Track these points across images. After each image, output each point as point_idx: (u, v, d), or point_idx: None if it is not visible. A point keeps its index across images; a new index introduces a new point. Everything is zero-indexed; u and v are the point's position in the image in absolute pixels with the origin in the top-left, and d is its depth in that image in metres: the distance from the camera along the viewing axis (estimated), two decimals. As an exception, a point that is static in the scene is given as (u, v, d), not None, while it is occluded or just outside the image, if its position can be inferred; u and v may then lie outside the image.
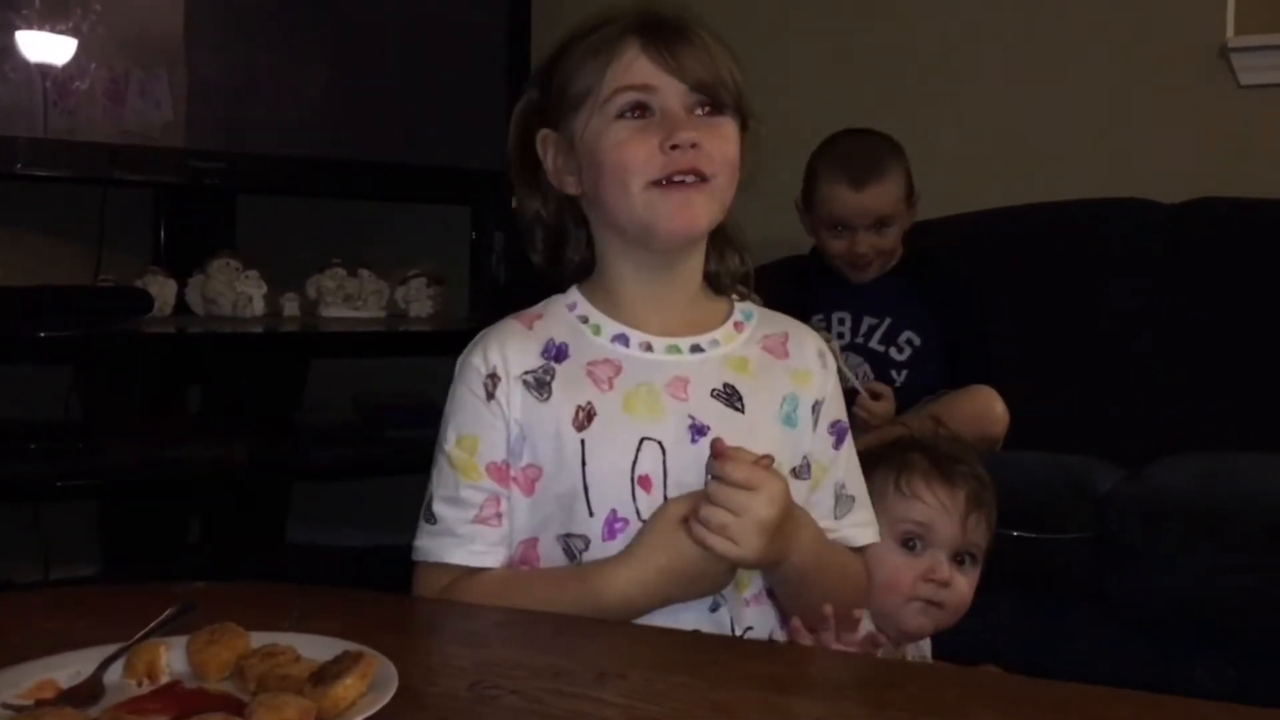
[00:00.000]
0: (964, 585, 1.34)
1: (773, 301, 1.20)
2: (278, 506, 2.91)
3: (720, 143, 1.07)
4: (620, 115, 1.07)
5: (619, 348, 1.10)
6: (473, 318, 2.75)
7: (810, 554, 1.07)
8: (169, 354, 2.49)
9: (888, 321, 2.10)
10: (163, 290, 2.51)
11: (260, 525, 2.87)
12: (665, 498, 1.05)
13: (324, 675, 0.78)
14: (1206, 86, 2.47)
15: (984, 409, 1.94)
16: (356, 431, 2.65)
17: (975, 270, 2.21)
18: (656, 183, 1.05)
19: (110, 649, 0.85)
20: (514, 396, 1.08)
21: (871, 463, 1.29)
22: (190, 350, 2.50)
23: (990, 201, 2.48)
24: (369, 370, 2.84)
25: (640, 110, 1.07)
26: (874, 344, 2.10)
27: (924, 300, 2.10)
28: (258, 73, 2.57)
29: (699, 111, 1.07)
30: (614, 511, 1.05)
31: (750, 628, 1.10)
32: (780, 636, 1.13)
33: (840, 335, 2.11)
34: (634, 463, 1.05)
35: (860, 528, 1.16)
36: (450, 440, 1.10)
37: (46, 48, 2.33)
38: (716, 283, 1.16)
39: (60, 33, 2.34)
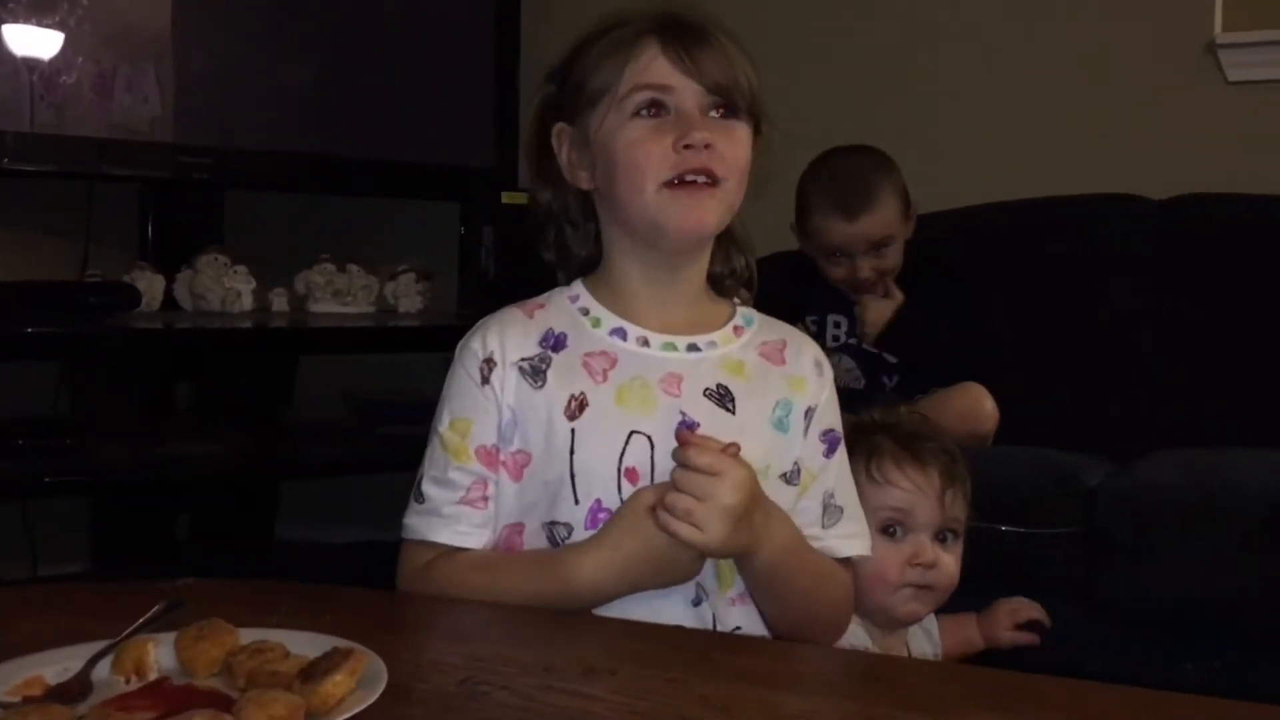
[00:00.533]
0: (950, 563, 1.34)
1: (765, 298, 1.20)
2: (267, 503, 2.90)
3: (733, 146, 1.08)
4: (636, 113, 1.08)
5: (616, 341, 1.11)
6: (462, 313, 2.74)
7: (782, 551, 1.07)
8: (157, 350, 2.48)
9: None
10: (151, 286, 2.50)
11: (249, 522, 2.87)
12: None
13: (313, 671, 0.77)
14: (1194, 83, 2.48)
15: (974, 406, 1.94)
16: (346, 428, 2.65)
17: (963, 265, 2.21)
18: (669, 183, 1.06)
19: (98, 645, 0.85)
20: (508, 382, 1.09)
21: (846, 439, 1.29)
22: (178, 346, 2.50)
23: (978, 197, 2.48)
24: (358, 366, 2.83)
25: (656, 109, 1.08)
26: (868, 345, 2.09)
27: (920, 304, 2.08)
28: (246, 67, 2.56)
29: (714, 114, 1.08)
30: (599, 501, 1.06)
31: (738, 627, 1.10)
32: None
33: (835, 339, 2.10)
34: (622, 454, 1.06)
35: (847, 539, 1.15)
36: (445, 421, 1.11)
37: (33, 42, 2.32)
38: (719, 284, 1.17)
39: (47, 26, 2.33)
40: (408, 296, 2.76)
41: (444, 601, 1.06)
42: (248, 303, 2.57)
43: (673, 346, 1.11)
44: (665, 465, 1.05)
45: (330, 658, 0.79)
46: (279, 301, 2.66)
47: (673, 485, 1.01)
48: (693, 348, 1.11)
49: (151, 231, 2.70)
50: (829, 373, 1.17)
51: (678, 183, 1.06)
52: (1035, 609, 1.55)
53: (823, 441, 1.15)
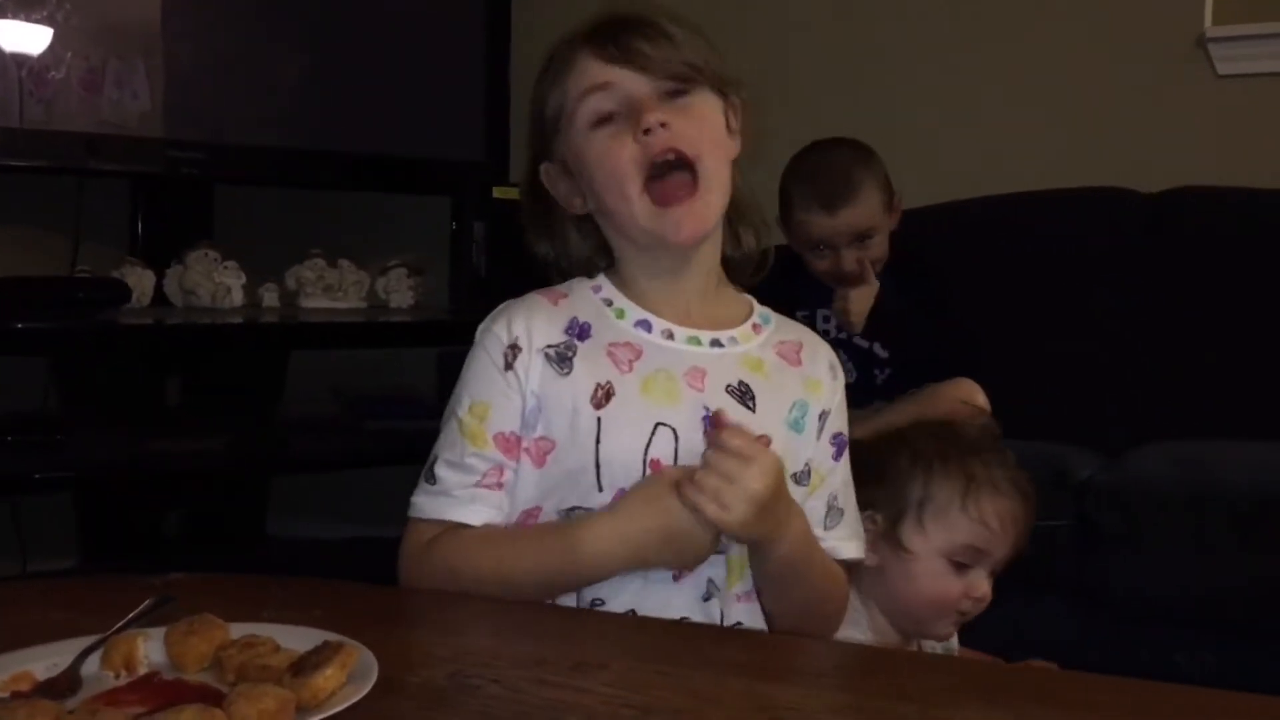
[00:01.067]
0: (991, 592, 1.34)
1: (757, 294, 1.21)
2: (257, 499, 2.90)
3: (693, 121, 1.08)
4: (592, 125, 1.08)
5: (641, 333, 1.11)
6: (453, 308, 2.74)
7: (801, 546, 1.08)
8: (147, 345, 2.47)
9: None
10: (140, 281, 2.49)
11: (239, 517, 2.86)
12: None
13: (303, 666, 0.77)
14: (1185, 76, 2.48)
15: (966, 400, 1.94)
16: (336, 423, 2.65)
17: (953, 260, 2.21)
18: (649, 183, 1.06)
19: (88, 640, 0.85)
20: (534, 369, 1.09)
21: (925, 449, 1.29)
22: (168, 342, 2.49)
23: (968, 191, 2.48)
24: (349, 361, 2.83)
25: (608, 116, 1.08)
26: (858, 339, 2.09)
27: (910, 300, 2.09)
28: (236, 62, 2.55)
29: (667, 96, 1.08)
30: (622, 491, 1.06)
31: (739, 623, 1.10)
32: None
33: (825, 333, 2.10)
34: (647, 445, 1.06)
35: (846, 541, 1.17)
36: (464, 406, 1.10)
37: (22, 37, 2.32)
38: (734, 269, 1.17)
39: (36, 22, 2.33)
40: (399, 292, 2.76)
41: (435, 594, 1.06)
42: (238, 298, 2.56)
43: (696, 341, 1.12)
44: (689, 458, 1.06)
45: (320, 652, 0.78)
46: (269, 297, 2.66)
47: (703, 464, 1.02)
48: (715, 343, 1.12)
49: (141, 227, 2.69)
50: (841, 376, 1.19)
51: (655, 179, 1.06)
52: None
53: (833, 445, 1.16)
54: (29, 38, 2.32)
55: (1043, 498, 1.85)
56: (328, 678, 0.76)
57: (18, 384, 2.46)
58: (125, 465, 2.27)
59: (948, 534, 1.29)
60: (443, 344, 2.67)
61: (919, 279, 2.12)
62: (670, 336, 1.11)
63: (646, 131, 1.05)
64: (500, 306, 1.14)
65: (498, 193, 2.60)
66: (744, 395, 1.10)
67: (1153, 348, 2.26)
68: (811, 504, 1.14)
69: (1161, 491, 1.79)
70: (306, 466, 2.69)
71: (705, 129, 1.08)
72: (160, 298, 2.55)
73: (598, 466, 1.06)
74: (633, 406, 1.07)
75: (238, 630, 0.85)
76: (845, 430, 1.18)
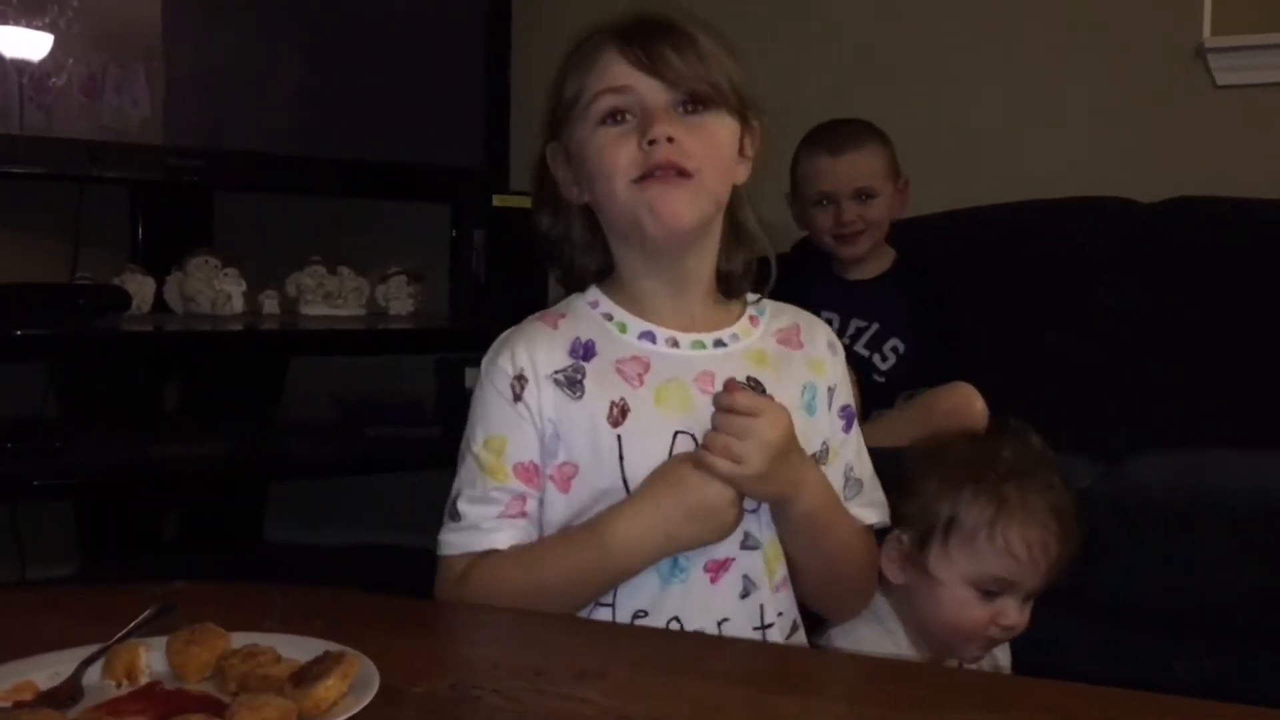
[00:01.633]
0: (1025, 620, 1.30)
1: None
2: (256, 505, 2.89)
3: (701, 140, 1.07)
4: (601, 121, 1.08)
5: (646, 344, 1.11)
6: (453, 315, 2.74)
7: (822, 498, 1.10)
8: (147, 352, 2.47)
9: (875, 326, 2.09)
10: (141, 288, 2.49)
11: (239, 524, 2.86)
12: None
13: (305, 676, 0.77)
14: (1183, 87, 2.49)
15: (964, 405, 1.94)
16: (335, 430, 2.64)
17: (953, 268, 2.21)
18: (639, 180, 1.06)
19: (89, 650, 0.85)
20: (544, 396, 1.09)
21: (958, 470, 1.27)
22: (168, 348, 2.49)
23: (968, 200, 2.48)
24: (348, 368, 2.83)
25: (620, 115, 1.08)
26: (859, 348, 2.09)
27: (911, 303, 2.09)
28: (236, 69, 2.55)
29: (682, 109, 1.08)
30: None
31: (781, 613, 1.12)
32: (800, 626, 1.15)
33: None
34: (669, 455, 1.07)
35: (866, 509, 1.18)
36: (479, 441, 1.10)
37: (22, 43, 2.32)
38: (728, 284, 1.16)
39: (37, 28, 2.33)
40: (398, 299, 2.76)
41: (436, 604, 1.06)
42: (238, 305, 2.56)
43: (701, 345, 1.12)
44: None
45: (322, 662, 0.79)
46: (269, 304, 2.66)
47: (712, 427, 1.03)
48: (719, 343, 1.13)
49: (141, 234, 2.68)
50: (840, 350, 1.20)
51: (647, 178, 1.06)
52: None
53: (841, 417, 1.17)
54: (30, 44, 2.32)
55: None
56: (329, 688, 0.76)
57: (17, 390, 2.46)
58: (125, 472, 2.27)
59: (973, 563, 1.25)
60: (442, 351, 2.67)
61: (919, 275, 2.13)
62: (675, 344, 1.12)
63: (652, 142, 1.06)
64: (500, 337, 1.14)
65: (498, 200, 2.60)
66: (756, 389, 1.10)
67: (1152, 356, 2.26)
68: (829, 478, 1.14)
69: (1160, 499, 1.79)
70: (306, 473, 2.68)
71: (712, 149, 1.08)
72: (160, 304, 2.55)
73: (626, 483, 1.06)
74: (650, 419, 1.07)
75: (239, 639, 0.85)
76: (851, 402, 1.19)
